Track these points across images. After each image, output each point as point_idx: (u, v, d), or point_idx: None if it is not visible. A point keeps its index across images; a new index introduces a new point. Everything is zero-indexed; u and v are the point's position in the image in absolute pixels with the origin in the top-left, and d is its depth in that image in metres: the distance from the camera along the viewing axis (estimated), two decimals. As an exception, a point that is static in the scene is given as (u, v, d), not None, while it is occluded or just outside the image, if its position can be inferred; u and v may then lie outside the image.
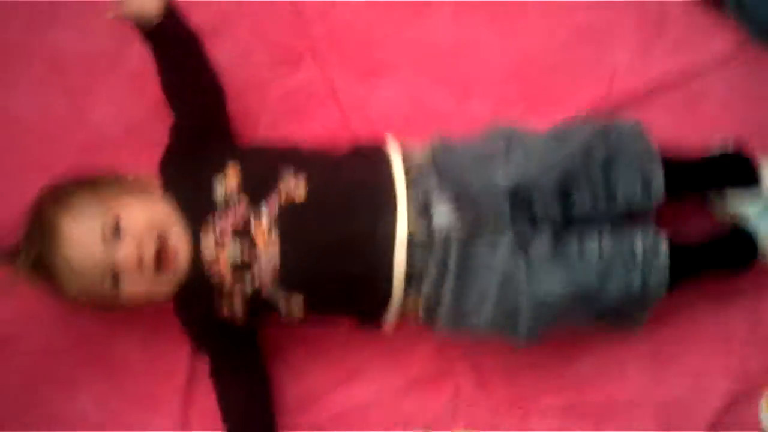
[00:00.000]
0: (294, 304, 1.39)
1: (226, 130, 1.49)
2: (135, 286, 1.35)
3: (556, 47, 1.57)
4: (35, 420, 1.57)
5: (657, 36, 1.56)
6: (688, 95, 1.56)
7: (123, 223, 1.33)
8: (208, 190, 1.38)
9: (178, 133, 1.45)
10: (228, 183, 1.38)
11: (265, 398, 1.52)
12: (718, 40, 1.56)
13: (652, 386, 1.56)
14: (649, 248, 1.41)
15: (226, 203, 1.37)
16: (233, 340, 1.49)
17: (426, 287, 1.38)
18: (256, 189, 1.37)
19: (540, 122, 1.53)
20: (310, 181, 1.38)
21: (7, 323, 1.57)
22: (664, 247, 1.41)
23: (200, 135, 1.44)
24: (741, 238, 1.49)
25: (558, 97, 1.57)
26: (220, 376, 1.50)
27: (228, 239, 1.36)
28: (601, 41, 1.57)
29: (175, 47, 1.42)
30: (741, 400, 1.55)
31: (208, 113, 1.46)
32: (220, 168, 1.39)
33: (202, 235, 1.37)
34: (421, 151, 1.46)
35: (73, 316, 1.56)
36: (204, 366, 1.53)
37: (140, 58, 1.55)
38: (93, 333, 1.58)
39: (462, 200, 1.39)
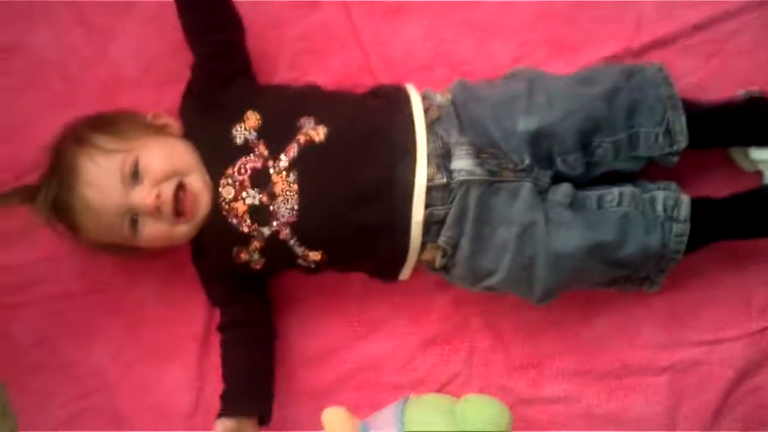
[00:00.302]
0: (312, 254, 1.40)
1: (247, 71, 1.47)
2: (153, 230, 1.36)
3: (580, -5, 1.56)
4: (50, 371, 1.60)
5: (684, -19, 1.54)
6: (714, 41, 1.54)
7: (142, 166, 1.33)
8: (227, 134, 1.38)
9: (198, 73, 1.44)
10: (247, 127, 1.38)
11: (267, 358, 1.52)
12: (746, -14, 1.53)
13: (666, 351, 1.56)
14: (671, 206, 1.40)
15: (245, 148, 1.37)
16: (246, 290, 1.49)
17: (444, 234, 1.37)
18: (275, 134, 1.37)
19: (563, 66, 1.54)
20: (329, 125, 1.37)
21: (26, 267, 1.59)
22: (685, 205, 1.40)
23: (220, 76, 1.42)
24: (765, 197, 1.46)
25: (582, 42, 1.54)
26: (226, 331, 1.50)
27: (247, 182, 1.36)
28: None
29: None
30: (756, 370, 1.55)
31: (229, 53, 1.44)
32: (239, 112, 1.39)
33: (221, 179, 1.37)
34: (441, 95, 1.45)
35: (91, 263, 1.58)
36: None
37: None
38: (111, 281, 1.60)
39: (482, 146, 1.38)
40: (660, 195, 1.40)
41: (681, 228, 1.39)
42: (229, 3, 1.43)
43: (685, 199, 1.40)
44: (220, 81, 1.42)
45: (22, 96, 1.58)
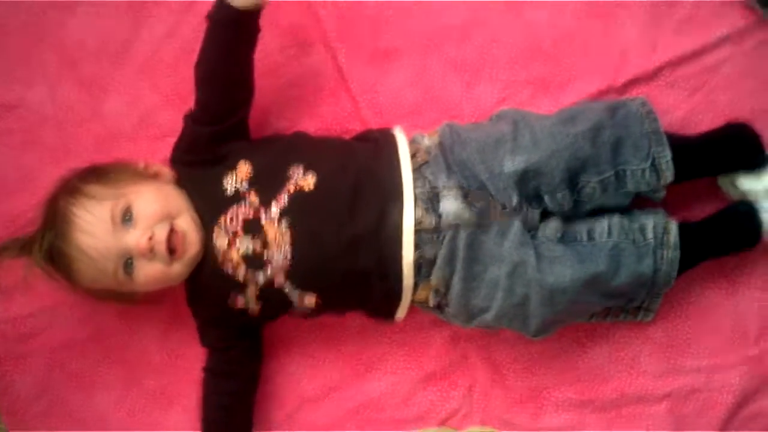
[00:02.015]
0: (307, 298, 1.41)
1: (244, 127, 1.48)
2: (148, 271, 1.37)
3: (565, 28, 1.56)
4: (54, 420, 1.61)
5: (667, 14, 1.55)
6: (697, 75, 1.55)
7: (135, 210, 1.35)
8: (219, 184, 1.40)
9: (194, 129, 1.45)
10: (238, 178, 1.40)
11: (245, 409, 1.54)
12: (728, 19, 1.54)
13: (665, 379, 1.56)
14: (660, 233, 1.41)
15: (236, 197, 1.39)
16: (240, 339, 1.50)
17: (435, 274, 1.38)
18: (266, 183, 1.39)
19: (548, 105, 1.55)
20: (318, 172, 1.39)
21: (26, 319, 1.60)
22: (674, 231, 1.41)
23: (218, 137, 1.44)
24: (744, 213, 1.47)
25: (566, 80, 1.56)
26: (210, 375, 1.51)
27: (239, 231, 1.38)
28: (610, 20, 1.55)
29: (243, 40, 1.41)
30: (755, 395, 1.56)
31: (236, 109, 1.45)
32: (231, 163, 1.41)
33: (214, 228, 1.39)
34: (429, 138, 1.47)
35: (91, 312, 1.59)
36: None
37: (150, 47, 1.60)
38: (111, 330, 1.61)
39: (470, 189, 1.39)
40: (649, 223, 1.42)
41: (672, 254, 1.41)
42: (253, 64, 1.45)
43: (674, 226, 1.42)
44: (219, 134, 1.43)
45: (21, 154, 1.61)
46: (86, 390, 1.61)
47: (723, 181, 1.52)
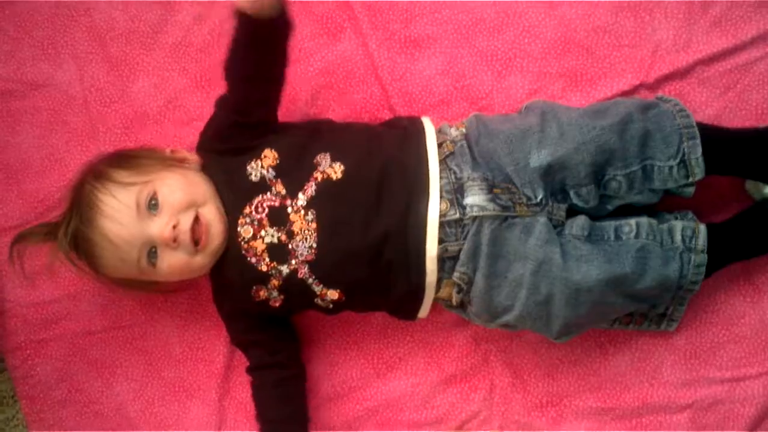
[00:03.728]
0: (330, 292, 1.40)
1: (273, 118, 1.46)
2: (171, 261, 1.36)
3: (599, 23, 1.54)
4: (73, 407, 1.62)
5: (701, 12, 1.53)
6: (731, 73, 1.53)
7: (160, 197, 1.35)
8: (243, 172, 1.39)
9: (227, 113, 1.42)
10: (264, 165, 1.39)
11: (298, 398, 1.52)
12: (762, 18, 1.52)
13: (687, 389, 1.55)
14: (689, 236, 1.39)
15: (262, 185, 1.38)
16: (269, 327, 1.49)
17: (458, 269, 1.37)
18: (293, 172, 1.38)
19: (579, 99, 1.54)
20: (345, 161, 1.38)
21: (49, 304, 1.61)
22: (703, 235, 1.40)
23: (250, 122, 1.41)
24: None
25: (598, 74, 1.55)
26: (255, 373, 1.50)
27: (265, 221, 1.37)
28: (644, 16, 1.54)
29: (269, 39, 1.36)
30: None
31: (268, 104, 1.44)
32: (257, 151, 1.40)
33: (239, 217, 1.38)
34: (456, 128, 1.46)
35: (113, 301, 1.60)
36: (241, 355, 1.54)
37: (181, 30, 1.60)
38: (132, 319, 1.61)
39: (495, 181, 1.38)
40: (678, 225, 1.40)
41: (700, 259, 1.39)
42: (287, 59, 1.40)
43: (703, 229, 1.40)
44: (248, 124, 1.41)
45: (48, 133, 1.62)
46: (105, 378, 1.62)
47: (751, 184, 1.50)
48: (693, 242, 1.39)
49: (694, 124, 1.39)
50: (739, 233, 1.46)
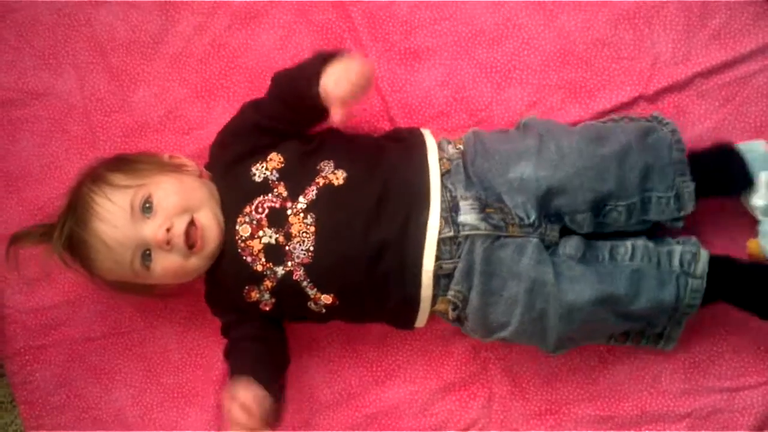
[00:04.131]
0: (323, 297, 1.39)
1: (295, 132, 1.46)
2: (165, 264, 1.37)
3: (598, 35, 1.55)
4: (71, 413, 1.62)
5: (700, 25, 1.54)
6: (729, 85, 1.53)
7: (154, 200, 1.35)
8: (247, 173, 1.40)
9: (252, 116, 1.43)
10: (269, 167, 1.40)
11: (278, 360, 1.46)
12: (761, 31, 1.53)
13: (686, 398, 1.55)
14: (688, 261, 1.39)
15: (264, 186, 1.39)
16: (260, 323, 1.46)
17: (453, 288, 1.38)
18: (296, 175, 1.39)
19: (578, 111, 1.54)
20: (348, 169, 1.39)
21: (48, 310, 1.61)
22: (703, 261, 1.39)
23: (268, 127, 1.43)
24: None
25: (597, 85, 1.55)
26: (233, 342, 1.46)
27: (264, 221, 1.37)
28: (643, 29, 1.54)
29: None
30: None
31: (298, 124, 1.44)
32: (264, 154, 1.41)
33: (238, 216, 1.38)
34: (454, 146, 1.46)
35: (111, 307, 1.60)
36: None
37: (181, 41, 1.60)
38: (131, 325, 1.61)
39: (488, 201, 1.39)
40: (677, 249, 1.40)
41: (697, 284, 1.38)
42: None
43: (704, 255, 1.40)
44: (264, 132, 1.43)
45: (48, 141, 1.62)
46: (104, 384, 1.62)
47: (743, 199, 1.49)
48: (692, 267, 1.39)
49: (685, 159, 1.40)
50: (747, 280, 1.42)
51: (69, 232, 1.37)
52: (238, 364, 1.42)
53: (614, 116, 1.51)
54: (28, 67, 1.62)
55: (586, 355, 1.55)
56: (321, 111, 1.33)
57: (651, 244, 1.40)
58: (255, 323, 1.46)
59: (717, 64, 1.53)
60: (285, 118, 1.42)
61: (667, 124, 1.45)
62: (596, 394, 1.56)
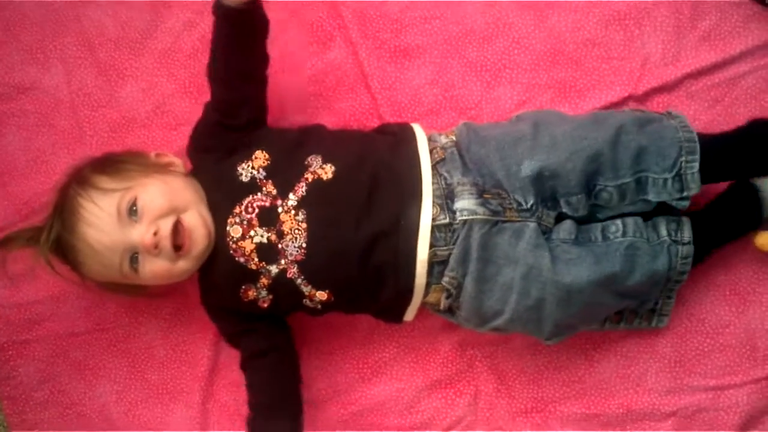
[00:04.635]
0: (318, 292, 1.39)
1: (259, 118, 1.47)
2: (153, 267, 1.36)
3: (588, 35, 1.55)
4: (55, 409, 1.61)
5: (690, 26, 1.54)
6: (718, 86, 1.54)
7: (140, 204, 1.34)
8: (233, 173, 1.39)
9: (213, 115, 1.43)
10: (255, 166, 1.39)
11: (292, 381, 1.50)
12: (751, 32, 1.53)
13: (672, 397, 1.55)
14: (674, 229, 1.41)
15: (252, 186, 1.38)
16: (258, 320, 1.46)
17: (448, 274, 1.37)
18: (284, 172, 1.38)
19: (568, 110, 1.55)
20: (336, 163, 1.38)
21: (32, 305, 1.60)
22: (687, 226, 1.41)
23: (236, 122, 1.42)
24: (746, 192, 1.46)
25: (587, 85, 1.55)
26: (248, 363, 1.48)
27: (255, 221, 1.37)
28: (633, 30, 1.55)
29: (245, 35, 1.38)
30: (762, 417, 1.54)
31: (253, 104, 1.44)
32: (247, 152, 1.40)
33: (228, 217, 1.37)
34: (446, 136, 1.46)
35: (96, 303, 1.59)
36: (225, 357, 1.55)
37: (170, 37, 1.60)
38: (116, 321, 1.61)
39: (485, 187, 1.39)
40: (662, 219, 1.41)
41: (686, 250, 1.41)
42: (267, 56, 1.43)
43: (686, 221, 1.42)
44: (234, 126, 1.42)
45: (34, 136, 1.61)
46: (88, 380, 1.61)
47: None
48: (678, 234, 1.41)
49: (696, 139, 1.39)
50: (720, 217, 1.47)
51: (56, 236, 1.37)
52: (259, 406, 1.46)
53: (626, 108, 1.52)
54: (16, 62, 1.61)
55: (572, 353, 1.56)
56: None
57: (639, 219, 1.40)
58: (261, 332, 1.46)
59: (706, 65, 1.54)
60: (230, 99, 1.41)
61: (678, 116, 1.44)
62: (582, 392, 1.56)
